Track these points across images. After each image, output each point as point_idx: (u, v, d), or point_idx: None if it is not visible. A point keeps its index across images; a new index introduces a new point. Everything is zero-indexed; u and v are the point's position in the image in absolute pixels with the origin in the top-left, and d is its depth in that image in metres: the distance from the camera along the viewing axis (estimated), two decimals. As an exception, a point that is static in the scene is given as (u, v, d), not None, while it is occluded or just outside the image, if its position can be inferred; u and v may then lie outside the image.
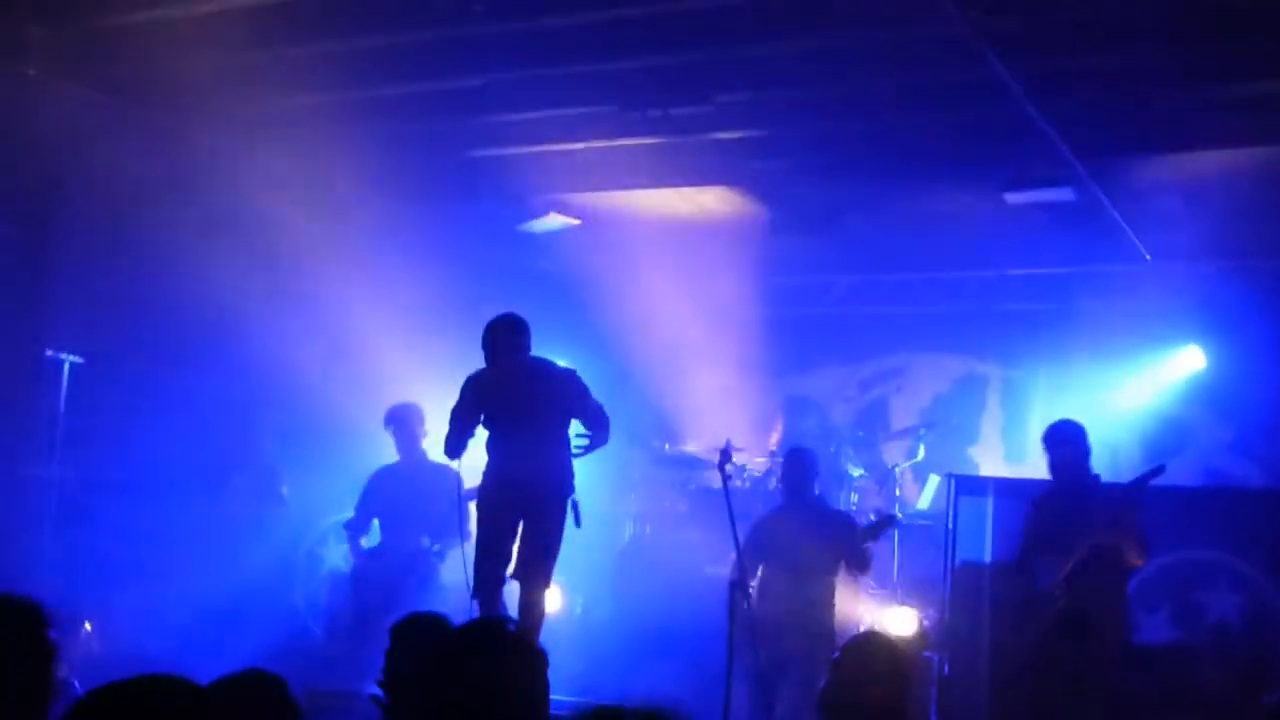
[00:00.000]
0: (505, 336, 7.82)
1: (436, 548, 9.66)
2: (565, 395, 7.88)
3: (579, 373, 8.09)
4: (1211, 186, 9.75)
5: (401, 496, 9.81)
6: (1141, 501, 7.59)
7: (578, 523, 7.76)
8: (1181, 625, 8.46)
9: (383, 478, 10.03)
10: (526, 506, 7.78)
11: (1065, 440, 7.97)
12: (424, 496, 9.58)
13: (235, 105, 9.36)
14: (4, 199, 9.18)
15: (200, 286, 9.71)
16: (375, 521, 10.02)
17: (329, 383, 10.58)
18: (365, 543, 9.97)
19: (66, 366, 9.12)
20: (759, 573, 8.57)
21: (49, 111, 8.89)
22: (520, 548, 7.78)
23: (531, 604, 7.62)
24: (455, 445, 7.96)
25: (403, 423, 9.96)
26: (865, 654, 4.73)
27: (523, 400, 7.81)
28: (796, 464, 9.00)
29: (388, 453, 10.27)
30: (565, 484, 7.81)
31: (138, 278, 9.69)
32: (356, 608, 9.43)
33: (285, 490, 9.71)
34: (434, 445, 9.97)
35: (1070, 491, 7.90)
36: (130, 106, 9.26)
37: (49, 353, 9.06)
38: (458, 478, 8.62)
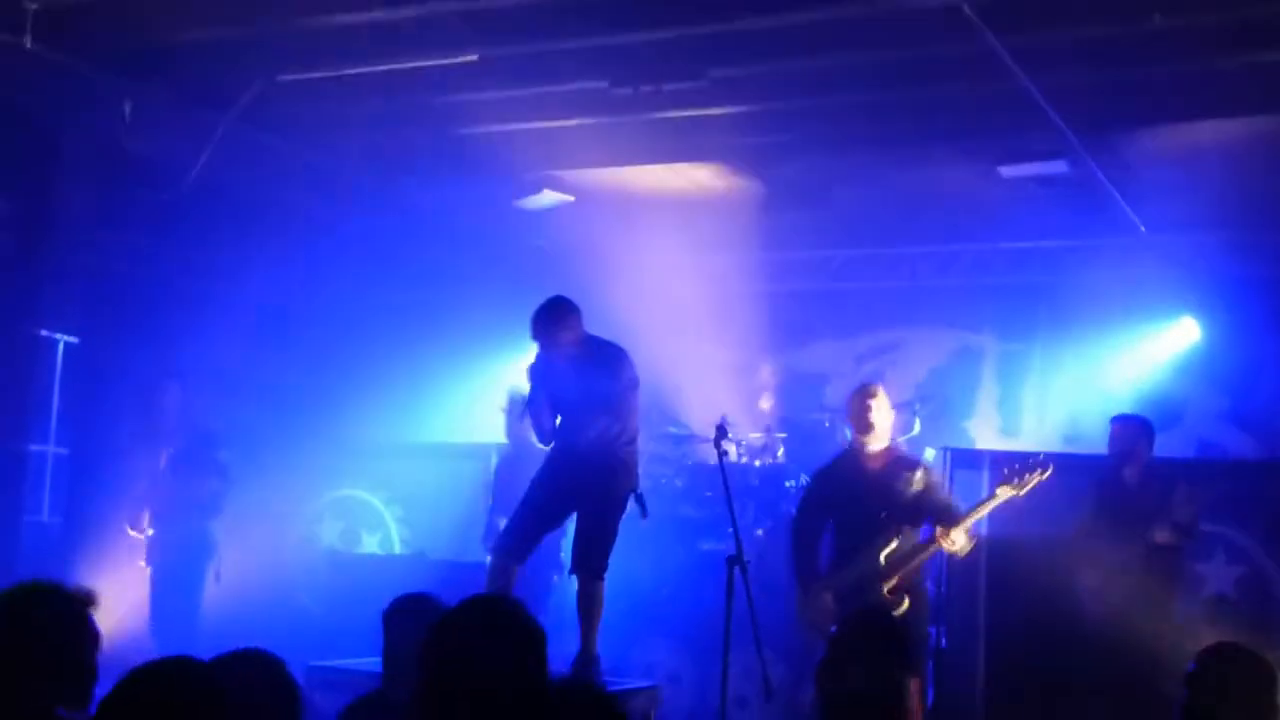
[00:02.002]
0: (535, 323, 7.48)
1: None
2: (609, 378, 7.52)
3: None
4: (1207, 157, 9.72)
5: (516, 482, 9.71)
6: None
7: (643, 514, 7.42)
8: (1179, 597, 8.48)
9: (507, 464, 9.95)
10: (576, 493, 7.52)
11: (1139, 429, 8.37)
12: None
13: (231, 81, 9.34)
14: (1, 175, 9.16)
15: (195, 264, 9.71)
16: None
17: (322, 359, 10.58)
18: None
19: (61, 346, 9.11)
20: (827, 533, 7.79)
21: (45, 86, 8.87)
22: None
23: (582, 596, 7.42)
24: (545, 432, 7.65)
25: (513, 409, 9.84)
26: (863, 633, 4.70)
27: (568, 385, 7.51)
28: (866, 398, 7.85)
29: (380, 430, 10.29)
30: (615, 473, 7.45)
31: (133, 256, 9.68)
32: None
33: (223, 455, 9.57)
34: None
35: (1135, 472, 8.22)
36: (126, 82, 9.23)
37: (44, 332, 9.05)
38: None
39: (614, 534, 7.44)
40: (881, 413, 7.78)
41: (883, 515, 7.60)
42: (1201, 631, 7.61)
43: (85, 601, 3.74)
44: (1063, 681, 7.83)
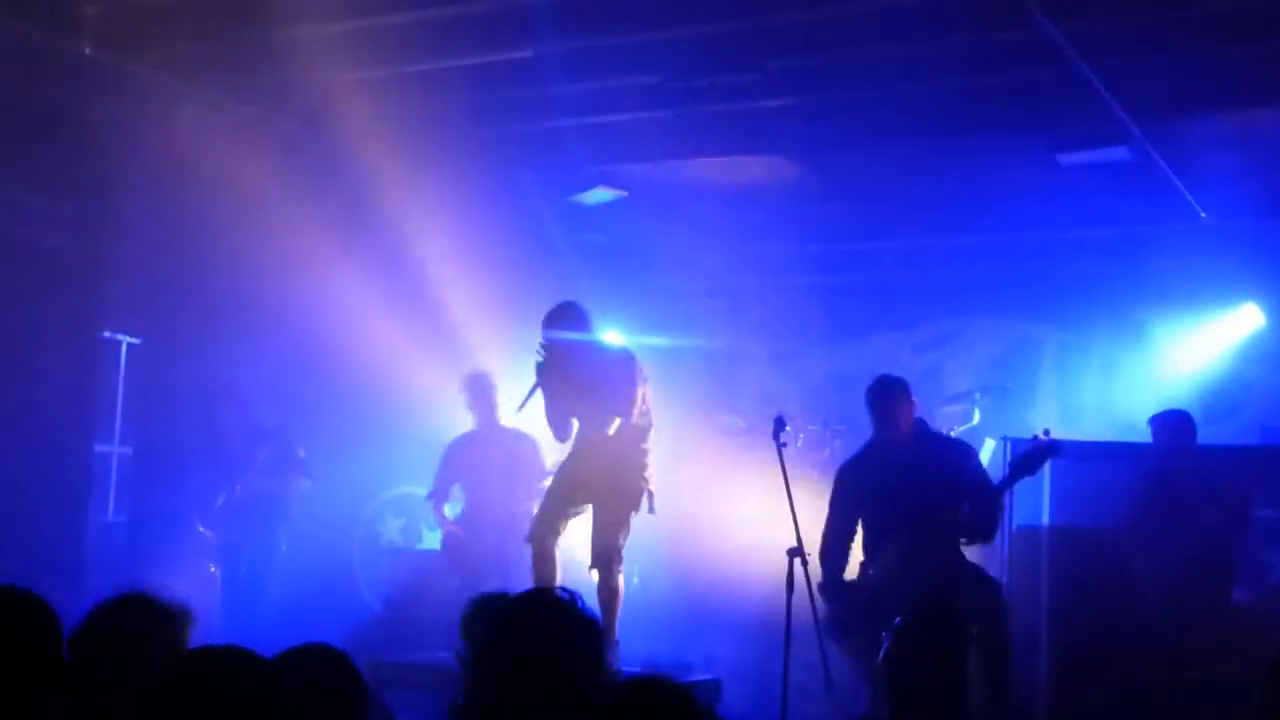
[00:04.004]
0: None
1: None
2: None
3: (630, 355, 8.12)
4: (1268, 141, 9.64)
5: (484, 462, 9.84)
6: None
7: (650, 509, 7.90)
8: (1245, 585, 8.40)
9: (463, 445, 10.03)
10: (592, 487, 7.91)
11: (1178, 424, 8.31)
12: (507, 461, 9.74)
13: (288, 82, 9.41)
14: (63, 179, 9.27)
15: (255, 264, 9.78)
16: (457, 489, 10.08)
17: (382, 357, 10.62)
18: (449, 510, 10.05)
19: (124, 347, 9.22)
20: (858, 533, 7.40)
21: (105, 90, 8.97)
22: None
23: (602, 588, 7.70)
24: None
25: (482, 390, 10.01)
26: (926, 627, 4.66)
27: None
28: (885, 390, 7.41)
29: (440, 424, 10.32)
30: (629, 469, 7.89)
31: (193, 258, 9.77)
32: (454, 571, 9.52)
33: (302, 453, 9.66)
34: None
35: (1180, 464, 8.16)
36: (186, 85, 9.33)
37: (107, 334, 9.15)
38: (535, 443, 9.31)
39: (627, 529, 7.83)
40: (904, 410, 7.37)
41: (913, 505, 7.13)
42: (1271, 620, 7.54)
43: (181, 618, 3.81)
44: (1126, 669, 7.77)
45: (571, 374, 7.81)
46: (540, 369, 7.83)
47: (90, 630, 3.69)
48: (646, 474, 7.93)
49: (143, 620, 3.76)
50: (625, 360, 8.01)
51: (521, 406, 7.97)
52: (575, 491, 7.94)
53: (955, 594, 6.68)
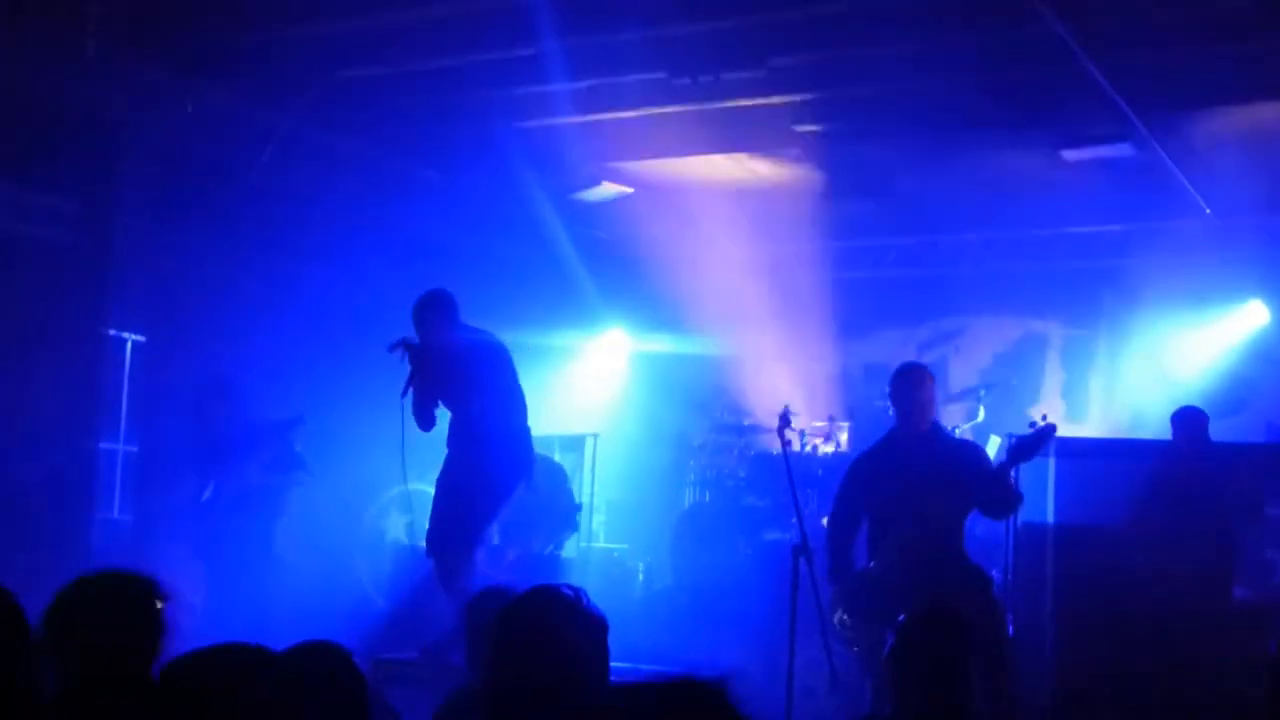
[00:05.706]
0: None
1: (550, 549, 9.75)
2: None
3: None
4: (1273, 138, 9.62)
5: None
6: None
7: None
8: (1249, 583, 8.39)
9: None
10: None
11: (1193, 421, 8.56)
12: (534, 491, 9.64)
13: (291, 79, 9.41)
14: (67, 176, 9.27)
15: (258, 260, 9.78)
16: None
17: (384, 354, 10.61)
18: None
19: (129, 345, 9.22)
20: (864, 527, 7.36)
21: (108, 87, 8.97)
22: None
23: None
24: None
25: None
26: (928, 624, 4.66)
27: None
28: (909, 381, 7.37)
29: (442, 424, 10.30)
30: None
31: (198, 254, 9.77)
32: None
33: (298, 447, 9.64)
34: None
35: (1192, 459, 8.28)
36: (190, 81, 9.33)
37: (111, 332, 9.16)
38: (562, 471, 9.19)
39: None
40: (927, 395, 7.31)
41: (916, 501, 7.08)
42: (1273, 619, 7.53)
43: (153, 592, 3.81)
44: (1129, 668, 7.76)
45: (442, 364, 7.86)
46: (414, 359, 7.87)
47: (64, 606, 3.69)
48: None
49: (117, 596, 3.76)
50: (492, 347, 8.06)
51: (404, 394, 7.91)
52: (454, 492, 8.05)
53: (947, 590, 6.59)
